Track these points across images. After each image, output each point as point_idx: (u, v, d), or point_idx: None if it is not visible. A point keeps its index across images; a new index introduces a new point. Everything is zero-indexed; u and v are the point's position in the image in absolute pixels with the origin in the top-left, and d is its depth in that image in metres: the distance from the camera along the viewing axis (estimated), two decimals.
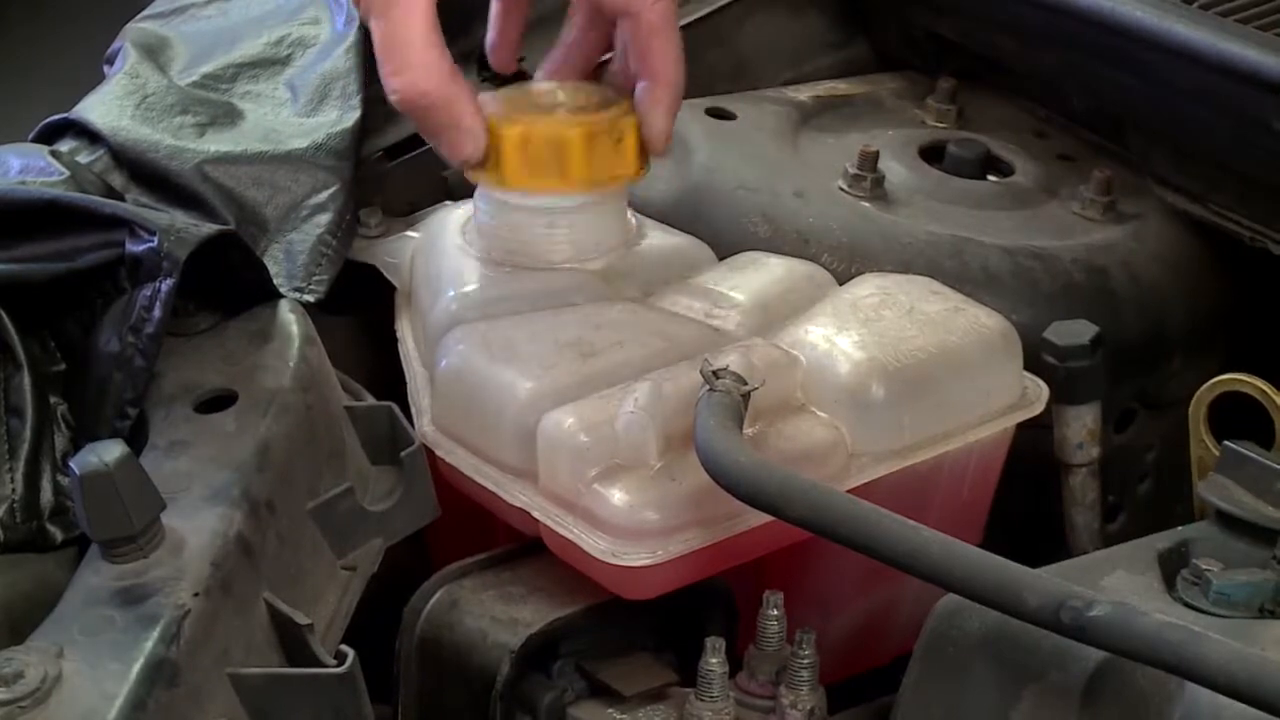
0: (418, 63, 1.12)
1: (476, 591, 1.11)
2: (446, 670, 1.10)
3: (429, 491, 1.08)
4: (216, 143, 1.26)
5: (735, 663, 1.06)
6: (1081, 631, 0.91)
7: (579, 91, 1.19)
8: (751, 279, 1.21)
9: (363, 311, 1.28)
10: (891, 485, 1.12)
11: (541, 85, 1.21)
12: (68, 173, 1.21)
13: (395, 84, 1.12)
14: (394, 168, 1.36)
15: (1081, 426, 1.23)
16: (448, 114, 1.14)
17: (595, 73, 1.22)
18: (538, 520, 1.09)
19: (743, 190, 1.35)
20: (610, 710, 1.07)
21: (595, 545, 1.06)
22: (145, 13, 1.43)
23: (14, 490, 1.01)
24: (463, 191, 1.33)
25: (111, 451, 0.90)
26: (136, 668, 0.86)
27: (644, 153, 1.18)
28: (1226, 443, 1.10)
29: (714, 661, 1.03)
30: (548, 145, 1.15)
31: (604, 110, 1.17)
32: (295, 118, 1.30)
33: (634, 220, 1.24)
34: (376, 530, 1.05)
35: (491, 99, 1.18)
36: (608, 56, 1.22)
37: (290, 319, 1.09)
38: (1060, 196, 1.41)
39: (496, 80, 1.38)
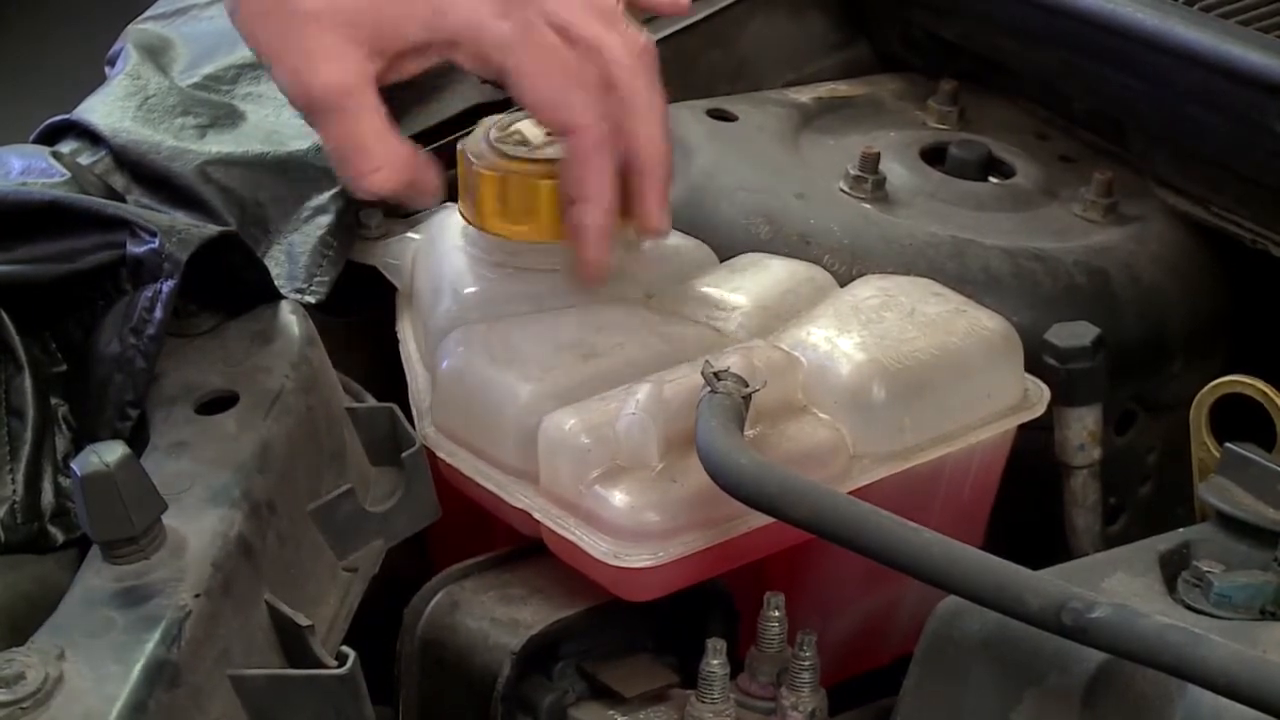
0: (386, 159, 1.14)
1: (477, 593, 1.11)
2: (447, 671, 1.10)
3: (430, 493, 1.08)
4: (218, 144, 1.26)
5: (736, 664, 1.06)
6: (1082, 633, 0.91)
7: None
8: (753, 280, 1.21)
9: (364, 313, 1.28)
10: (892, 487, 1.12)
11: (520, 120, 1.20)
12: (69, 174, 1.21)
13: (372, 183, 1.14)
14: None
15: (1082, 428, 1.23)
16: (418, 189, 1.17)
17: None
18: (538, 521, 1.09)
19: (744, 192, 1.35)
20: (611, 712, 1.07)
21: (596, 547, 1.06)
22: (147, 14, 1.43)
23: (15, 491, 1.01)
24: None
25: (113, 452, 0.90)
26: (137, 669, 0.86)
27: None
28: (1228, 445, 1.10)
29: (715, 663, 1.03)
30: (521, 192, 1.16)
31: None
32: (296, 119, 1.29)
33: None
34: (377, 531, 1.05)
35: (481, 133, 1.19)
36: None
37: (291, 320, 1.09)
38: (1061, 198, 1.41)
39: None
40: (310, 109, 1.14)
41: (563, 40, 1.12)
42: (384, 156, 1.14)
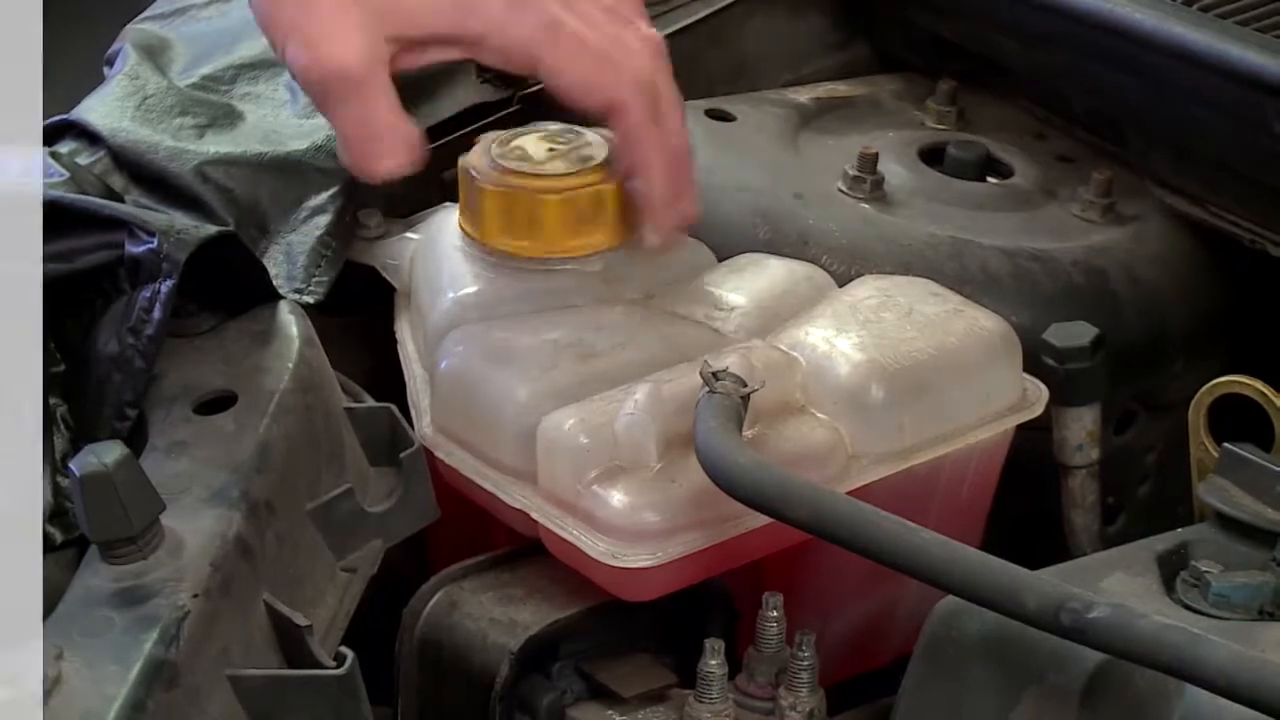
0: (395, 148, 1.13)
1: (476, 593, 1.11)
2: (446, 672, 1.10)
3: (428, 493, 1.08)
4: (216, 144, 1.26)
5: (735, 664, 1.06)
6: (1081, 633, 0.91)
7: (576, 141, 1.19)
8: (751, 281, 1.21)
9: (362, 313, 1.28)
10: (891, 487, 1.12)
11: (537, 133, 1.21)
12: (68, 174, 1.21)
13: (379, 170, 1.14)
14: None
15: (1081, 428, 1.23)
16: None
17: None
18: (537, 522, 1.09)
19: (742, 192, 1.35)
20: (610, 712, 1.07)
21: (595, 547, 1.06)
22: (145, 14, 1.43)
23: None
24: None
25: (111, 452, 0.90)
26: (136, 669, 0.86)
27: (628, 223, 1.18)
28: (1226, 445, 1.10)
29: (713, 663, 1.03)
30: (524, 208, 1.16)
31: (589, 174, 1.17)
32: (295, 119, 1.29)
33: None
34: (376, 531, 1.05)
35: (483, 149, 1.19)
36: None
37: (290, 320, 1.09)
38: (1060, 198, 1.41)
39: (499, 81, 1.37)
40: (322, 88, 1.13)
41: (588, 31, 1.13)
42: (393, 145, 1.14)
